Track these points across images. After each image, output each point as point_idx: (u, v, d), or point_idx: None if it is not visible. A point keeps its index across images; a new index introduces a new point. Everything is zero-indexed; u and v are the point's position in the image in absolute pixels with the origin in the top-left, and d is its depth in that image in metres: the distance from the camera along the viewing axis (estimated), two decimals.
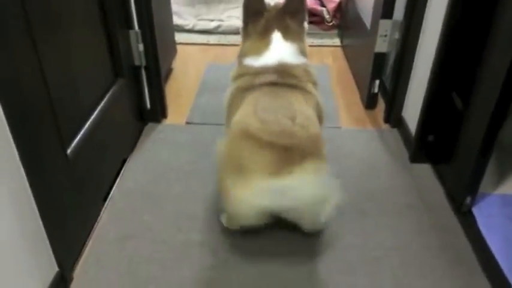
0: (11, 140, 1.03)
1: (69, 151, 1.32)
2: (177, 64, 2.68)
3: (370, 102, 2.22)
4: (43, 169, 1.17)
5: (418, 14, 1.80)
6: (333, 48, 2.94)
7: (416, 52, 1.86)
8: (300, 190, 1.12)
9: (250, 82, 1.33)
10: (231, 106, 1.39)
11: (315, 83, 1.43)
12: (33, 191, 1.11)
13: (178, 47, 2.74)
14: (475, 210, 1.54)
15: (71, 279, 1.32)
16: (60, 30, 1.31)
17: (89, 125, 1.49)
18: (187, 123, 2.13)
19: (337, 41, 3.00)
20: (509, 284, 1.27)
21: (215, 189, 1.65)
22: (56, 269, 1.25)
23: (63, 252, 1.27)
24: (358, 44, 2.53)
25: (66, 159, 1.30)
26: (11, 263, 1.07)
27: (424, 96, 1.70)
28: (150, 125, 2.10)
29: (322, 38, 3.03)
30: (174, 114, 2.19)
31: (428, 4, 1.73)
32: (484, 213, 1.52)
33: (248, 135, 1.16)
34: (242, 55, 1.42)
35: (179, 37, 2.91)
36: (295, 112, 1.22)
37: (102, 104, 1.61)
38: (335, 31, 3.08)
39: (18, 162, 1.06)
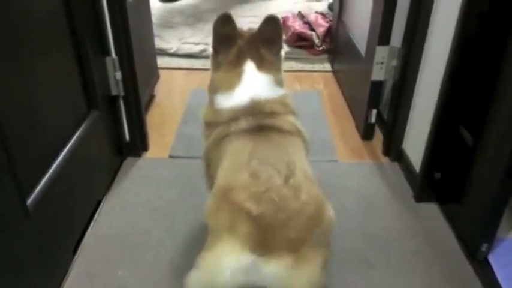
0: None
1: (29, 201, 1.13)
2: (160, 90, 2.52)
3: (367, 133, 2.08)
4: None
5: (418, 39, 1.67)
6: (323, 74, 2.81)
7: (417, 81, 1.73)
8: (280, 282, 0.92)
9: (226, 131, 1.15)
10: (209, 162, 1.20)
11: (294, 113, 1.24)
12: None
13: (161, 72, 2.58)
14: (492, 258, 1.39)
15: None
16: (19, 58, 1.14)
17: (55, 167, 1.29)
18: (171, 156, 1.95)
19: (327, 66, 2.88)
20: None
21: (203, 233, 1.46)
22: None
23: None
24: (352, 71, 2.41)
25: (25, 211, 1.10)
26: None
27: (430, 130, 1.57)
28: (129, 159, 1.91)
29: (312, 63, 2.90)
30: (156, 147, 2.01)
31: (430, 28, 1.61)
32: (502, 262, 1.37)
33: (228, 198, 0.95)
34: (213, 90, 1.24)
35: (162, 61, 2.76)
36: (295, 167, 1.00)
37: (72, 141, 1.42)
38: (325, 56, 2.96)
39: None
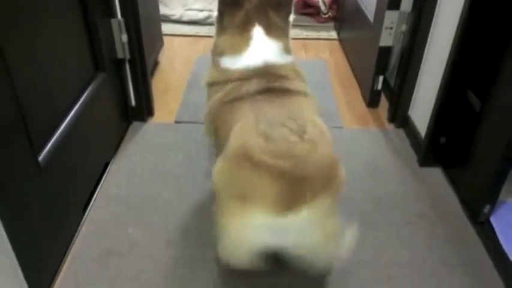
0: None
1: (41, 158, 1.14)
2: (164, 57, 2.50)
3: (372, 100, 2.07)
4: (11, 180, 0.99)
5: (429, 4, 1.65)
6: (329, 42, 2.78)
7: (427, 46, 1.72)
8: (308, 234, 0.94)
9: (236, 91, 1.11)
10: (216, 124, 1.16)
11: (304, 81, 1.22)
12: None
13: (165, 39, 2.55)
14: (493, 220, 1.41)
15: None
16: (31, 20, 1.13)
17: (64, 127, 1.30)
18: (177, 122, 1.96)
19: (333, 34, 2.85)
20: None
21: (209, 196, 1.49)
22: None
23: (35, 275, 1.09)
24: (359, 37, 2.38)
25: (38, 167, 1.12)
26: None
27: (437, 95, 1.56)
28: (135, 124, 1.92)
29: (318, 30, 2.87)
30: (162, 112, 2.01)
31: None
32: (504, 223, 1.39)
33: (249, 158, 0.93)
34: (218, 53, 1.20)
35: (166, 28, 2.72)
36: (305, 123, 0.99)
37: (80, 102, 1.43)
38: (331, 23, 2.93)
39: None
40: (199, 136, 1.82)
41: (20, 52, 1.07)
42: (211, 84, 1.20)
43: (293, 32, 2.94)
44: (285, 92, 1.11)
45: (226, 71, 1.16)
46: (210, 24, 2.84)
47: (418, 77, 1.78)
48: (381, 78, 2.00)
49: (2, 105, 0.98)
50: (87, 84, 1.51)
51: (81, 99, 1.44)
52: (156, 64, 2.38)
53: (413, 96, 1.83)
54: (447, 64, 1.50)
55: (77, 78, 1.46)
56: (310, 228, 0.94)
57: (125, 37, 1.71)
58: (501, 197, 1.44)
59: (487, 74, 1.40)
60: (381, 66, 1.98)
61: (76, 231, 1.37)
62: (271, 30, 1.17)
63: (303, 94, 1.15)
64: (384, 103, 2.10)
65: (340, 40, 2.76)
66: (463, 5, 1.39)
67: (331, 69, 2.47)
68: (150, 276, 1.25)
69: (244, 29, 1.16)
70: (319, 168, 0.94)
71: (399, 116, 1.92)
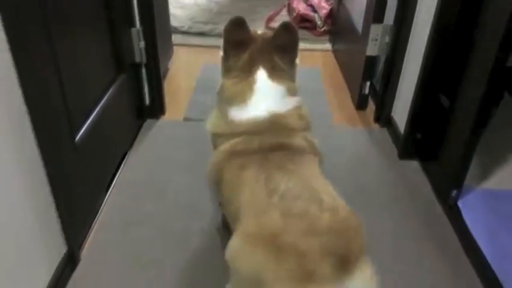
0: (30, 126, 1.10)
1: (77, 138, 1.38)
2: (174, 64, 2.75)
3: (361, 103, 2.32)
4: (55, 153, 1.22)
5: (407, 18, 1.90)
6: (324, 53, 3.04)
7: (406, 55, 1.96)
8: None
9: (243, 146, 1.08)
10: (221, 177, 1.11)
11: (309, 126, 1.20)
12: (47, 172, 1.17)
13: (175, 48, 2.81)
14: (461, 204, 1.63)
15: (78, 260, 1.37)
16: (70, 27, 1.38)
17: (94, 117, 1.54)
18: (186, 119, 2.20)
19: (328, 46, 3.11)
20: (491, 268, 1.36)
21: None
22: (65, 249, 1.30)
23: (72, 234, 1.32)
24: (350, 48, 2.64)
25: (74, 145, 1.36)
26: (24, 242, 1.11)
27: (413, 96, 1.80)
28: (148, 121, 2.16)
29: (313, 43, 3.13)
30: (172, 112, 2.25)
31: (417, 9, 1.84)
32: (469, 206, 1.62)
33: (271, 240, 0.87)
34: (225, 100, 1.17)
35: (175, 38, 2.98)
36: (319, 192, 0.97)
37: (105, 97, 1.67)
38: (326, 37, 3.19)
39: (35, 149, 1.12)
40: (204, 132, 2.05)
41: (65, 55, 1.31)
42: (218, 136, 1.18)
43: None
44: (293, 152, 1.09)
45: (232, 123, 1.13)
46: (215, 35, 3.10)
47: (399, 82, 2.03)
48: (368, 83, 2.25)
49: (53, 97, 1.22)
50: (111, 83, 1.76)
51: (107, 95, 1.68)
52: (166, 70, 2.63)
53: (395, 99, 2.08)
54: (421, 70, 1.75)
55: (104, 77, 1.70)
56: (369, 279, 0.92)
57: (142, 44, 1.97)
58: (469, 184, 1.67)
59: (455, 78, 1.64)
60: (368, 73, 2.22)
61: (101, 206, 1.60)
62: (275, 73, 1.15)
63: (309, 151, 1.13)
64: (371, 106, 2.34)
65: (334, 51, 3.02)
66: (433, 19, 1.64)
67: (326, 77, 2.72)
68: (164, 242, 1.47)
69: (249, 71, 1.15)
70: (347, 232, 0.92)
71: (383, 117, 2.16)
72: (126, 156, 1.90)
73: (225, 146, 1.12)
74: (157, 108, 2.18)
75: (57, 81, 1.24)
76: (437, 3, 1.61)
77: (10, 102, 1.03)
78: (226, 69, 1.19)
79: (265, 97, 1.14)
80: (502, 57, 1.36)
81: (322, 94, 2.49)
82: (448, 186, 1.65)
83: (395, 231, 1.56)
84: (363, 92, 2.27)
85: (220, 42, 1.16)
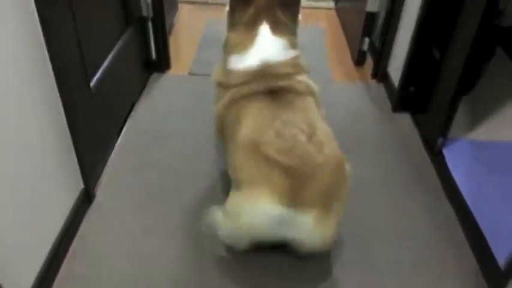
0: (50, 68, 1.21)
1: (91, 84, 1.50)
2: (178, 20, 2.82)
3: (359, 59, 2.40)
4: (73, 97, 1.34)
5: None
6: (327, 11, 3.08)
7: (402, 11, 2.03)
8: (309, 232, 1.02)
9: (240, 93, 1.20)
10: (226, 121, 1.24)
11: (305, 72, 1.30)
12: (66, 115, 1.29)
13: (179, 5, 2.86)
14: (446, 152, 1.75)
15: (94, 196, 1.52)
16: None
17: (105, 65, 1.65)
18: (190, 73, 2.30)
19: (331, 4, 3.14)
20: (467, 205, 1.50)
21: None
22: (82, 186, 1.45)
23: (88, 172, 1.46)
24: (351, 6, 2.68)
25: (89, 90, 1.48)
26: (47, 178, 1.25)
27: (408, 50, 1.89)
28: (155, 75, 2.26)
29: (317, 0, 3.16)
30: (177, 66, 2.35)
31: None
32: (453, 154, 1.74)
33: (257, 149, 1.02)
34: (228, 50, 1.27)
35: None
36: (316, 127, 1.09)
37: (115, 48, 1.77)
38: None
39: (56, 91, 1.24)
40: (210, 86, 2.14)
41: (80, 10, 1.40)
42: (219, 84, 1.30)
43: None
44: (290, 92, 1.19)
45: (231, 72, 1.24)
46: None
47: (396, 38, 2.10)
48: (367, 40, 2.31)
49: (71, 46, 1.33)
50: (120, 34, 1.85)
51: (116, 47, 1.78)
52: (171, 26, 2.70)
53: (391, 55, 2.15)
54: (416, 24, 1.82)
55: (114, 30, 1.80)
56: (313, 227, 1.01)
57: None
58: (456, 134, 1.78)
59: (446, 31, 1.71)
60: (367, 29, 2.29)
61: (113, 149, 1.74)
62: (277, 27, 1.24)
63: (306, 92, 1.23)
64: (369, 63, 2.42)
65: (337, 9, 3.06)
66: None
67: (328, 35, 2.78)
68: (172, 181, 1.61)
69: (253, 26, 1.23)
70: (324, 168, 1.01)
71: (380, 73, 2.25)
72: (135, 106, 2.01)
73: (225, 98, 1.24)
74: (163, 63, 2.27)
75: (73, 32, 1.34)
76: None
77: (35, 51, 1.13)
78: (232, 24, 1.27)
79: (263, 48, 1.23)
80: (490, 9, 1.43)
81: (324, 52, 2.56)
82: (434, 135, 1.76)
83: (386, 176, 1.69)
84: (361, 48, 2.34)
85: None
